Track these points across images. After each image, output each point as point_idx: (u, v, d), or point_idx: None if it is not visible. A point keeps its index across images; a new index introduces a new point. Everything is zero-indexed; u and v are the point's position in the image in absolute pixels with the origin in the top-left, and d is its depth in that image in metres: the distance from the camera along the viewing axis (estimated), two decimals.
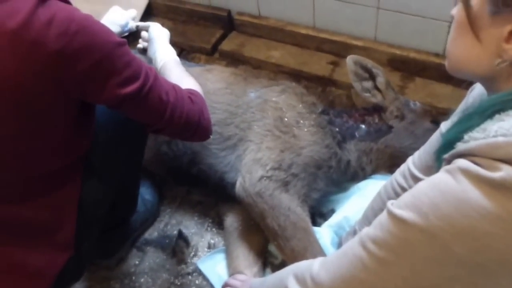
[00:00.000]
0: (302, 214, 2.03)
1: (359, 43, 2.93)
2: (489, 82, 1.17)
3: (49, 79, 1.32)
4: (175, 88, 1.65)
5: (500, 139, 0.95)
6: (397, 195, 1.72)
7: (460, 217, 0.96)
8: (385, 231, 1.08)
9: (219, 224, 2.37)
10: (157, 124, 1.61)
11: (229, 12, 3.31)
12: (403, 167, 1.79)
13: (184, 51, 3.22)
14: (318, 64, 3.00)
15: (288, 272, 1.42)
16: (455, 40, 1.17)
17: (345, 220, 2.11)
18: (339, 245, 2.02)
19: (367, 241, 1.12)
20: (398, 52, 2.83)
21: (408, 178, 1.72)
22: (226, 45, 3.25)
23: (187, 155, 2.27)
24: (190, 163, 2.27)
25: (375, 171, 2.31)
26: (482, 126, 1.04)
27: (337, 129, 2.28)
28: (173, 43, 2.28)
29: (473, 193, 0.95)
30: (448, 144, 1.13)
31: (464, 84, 1.39)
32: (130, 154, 1.91)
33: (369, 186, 2.23)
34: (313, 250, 1.96)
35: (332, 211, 2.23)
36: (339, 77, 2.89)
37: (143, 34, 2.30)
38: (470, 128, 1.07)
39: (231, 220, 2.27)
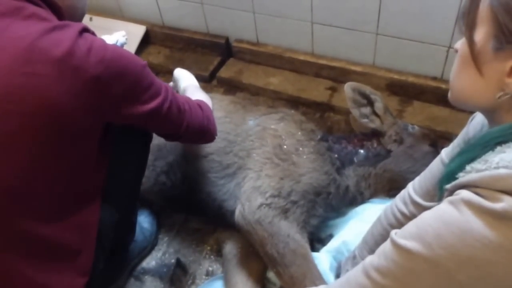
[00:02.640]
0: (301, 240, 2.02)
1: (358, 69, 2.95)
2: (490, 113, 1.20)
3: (88, 102, 1.44)
4: (187, 99, 1.88)
5: (502, 171, 0.98)
6: (397, 221, 1.74)
7: (463, 247, 0.98)
8: (389, 260, 1.10)
9: (217, 251, 2.37)
10: (178, 132, 1.82)
11: (227, 39, 3.34)
12: (403, 192, 1.79)
13: None
14: (317, 90, 3.02)
15: None
16: (458, 73, 1.19)
17: (343, 245, 2.11)
18: (338, 270, 2.02)
19: (371, 270, 1.14)
20: (396, 76, 2.86)
21: (408, 204, 1.72)
22: (224, 72, 3.28)
23: (186, 183, 2.28)
24: (189, 191, 2.28)
25: (373, 195, 2.31)
26: (484, 157, 1.07)
27: (336, 155, 2.27)
28: (171, 71, 2.32)
29: (475, 224, 0.97)
30: (450, 174, 1.15)
31: None
32: (134, 178, 2.00)
33: (367, 211, 2.22)
34: (312, 276, 1.95)
35: (331, 236, 2.22)
36: (337, 103, 2.91)
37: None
38: (472, 159, 1.10)
39: (229, 247, 2.26)
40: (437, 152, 2.10)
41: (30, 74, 1.34)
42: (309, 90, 3.03)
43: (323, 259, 2.06)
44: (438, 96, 2.74)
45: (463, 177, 1.08)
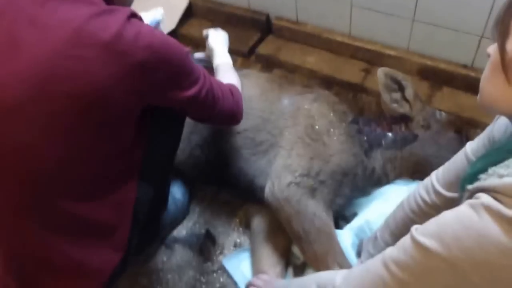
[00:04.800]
0: (326, 219, 2.08)
1: (392, 53, 2.98)
2: None
3: (131, 86, 1.47)
4: (220, 85, 1.89)
5: None
6: (419, 208, 1.79)
7: (480, 251, 1.00)
8: (408, 255, 1.14)
9: (245, 224, 2.44)
10: (209, 117, 1.86)
11: (267, 16, 3.36)
12: (426, 181, 1.82)
13: None
14: (351, 71, 3.06)
15: (311, 282, 1.48)
16: (488, 79, 1.19)
17: (366, 224, 2.16)
18: (359, 247, 2.08)
19: (390, 262, 1.18)
20: (428, 62, 2.89)
21: (431, 193, 1.76)
22: (262, 49, 3.31)
23: (219, 158, 2.32)
24: (222, 166, 2.32)
25: (398, 176, 2.35)
26: (506, 162, 1.09)
27: (365, 137, 2.31)
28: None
29: (493, 229, 0.99)
30: (473, 175, 1.18)
31: None
32: (168, 154, 2.03)
33: (391, 192, 2.27)
34: (335, 254, 2.02)
35: (355, 214, 2.28)
36: (370, 85, 2.95)
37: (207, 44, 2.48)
38: (494, 162, 1.13)
39: (257, 221, 2.33)
40: (461, 139, 2.17)
41: (77, 56, 1.37)
42: (344, 71, 3.06)
43: (346, 236, 2.13)
44: (467, 83, 2.76)
45: (484, 181, 1.10)
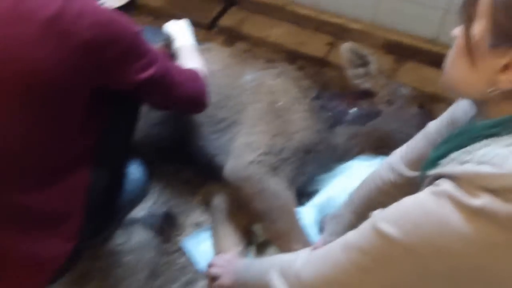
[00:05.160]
0: (288, 197, 2.07)
1: (357, 26, 2.96)
2: (479, 104, 1.20)
3: (77, 67, 1.40)
4: (181, 69, 1.82)
5: (483, 168, 0.99)
6: (381, 187, 1.79)
7: (440, 238, 1.00)
8: (368, 242, 1.12)
9: (206, 203, 2.40)
10: (167, 104, 1.80)
11: None
12: (389, 159, 1.82)
13: None
14: (316, 45, 3.02)
15: (272, 264, 1.46)
16: (452, 61, 1.17)
17: (328, 200, 2.17)
18: (322, 224, 2.10)
19: (350, 247, 1.17)
20: (393, 36, 2.88)
21: (393, 172, 1.75)
22: (225, 21, 3.24)
23: (178, 136, 2.29)
24: (181, 144, 2.29)
25: (360, 152, 2.35)
26: (469, 148, 1.07)
27: (329, 113, 2.30)
28: (171, 15, 2.30)
29: (453, 217, 0.99)
30: (434, 160, 1.17)
31: None
32: (124, 137, 1.95)
33: (354, 167, 2.28)
34: (296, 232, 2.03)
35: (317, 191, 2.27)
36: (334, 59, 2.92)
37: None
38: (456, 147, 1.12)
39: (218, 200, 2.29)
40: (424, 114, 2.17)
41: (14, 34, 1.31)
42: (308, 44, 3.03)
43: (308, 213, 2.14)
44: (431, 57, 2.77)
45: (445, 166, 1.10)
